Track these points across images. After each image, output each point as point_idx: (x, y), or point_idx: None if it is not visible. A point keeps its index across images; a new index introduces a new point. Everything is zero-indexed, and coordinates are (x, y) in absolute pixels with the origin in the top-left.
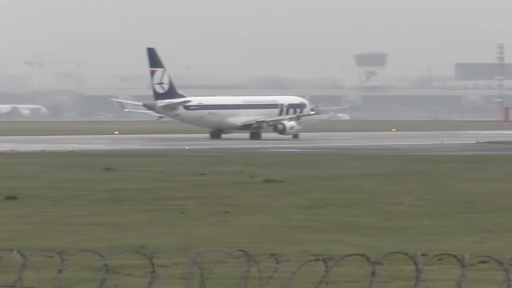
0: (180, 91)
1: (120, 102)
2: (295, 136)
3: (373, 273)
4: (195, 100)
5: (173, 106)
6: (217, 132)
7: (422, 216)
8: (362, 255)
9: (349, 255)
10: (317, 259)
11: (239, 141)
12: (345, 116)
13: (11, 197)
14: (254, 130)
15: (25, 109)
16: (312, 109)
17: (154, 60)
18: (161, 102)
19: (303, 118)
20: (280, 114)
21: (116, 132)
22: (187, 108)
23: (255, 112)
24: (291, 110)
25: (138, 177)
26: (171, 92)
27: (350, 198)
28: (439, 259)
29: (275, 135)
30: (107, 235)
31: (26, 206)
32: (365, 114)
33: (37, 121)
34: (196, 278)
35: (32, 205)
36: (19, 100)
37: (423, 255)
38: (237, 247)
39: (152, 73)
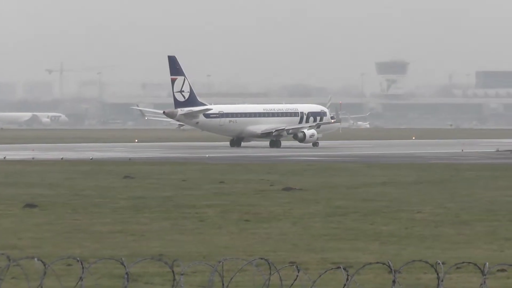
0: (201, 99)
1: (141, 110)
2: (315, 144)
3: (394, 282)
4: (215, 108)
5: (194, 114)
6: (237, 140)
7: (442, 224)
8: (383, 264)
9: (370, 263)
10: (338, 267)
11: (259, 149)
12: (365, 124)
13: (31, 205)
14: (274, 138)
15: (45, 116)
16: (332, 117)
17: (175, 68)
18: (182, 110)
19: (323, 126)
20: (301, 122)
21: (136, 140)
22: (207, 116)
23: (276, 120)
24: (311, 118)
25: (158, 185)
26: (192, 100)
27: (370, 206)
28: (458, 267)
29: (295, 143)
30: (128, 243)
31: (46, 214)
32: (386, 122)
33: (57, 128)
34: (217, 286)
35: (52, 213)
36: (40, 108)
37: (443, 263)
38: (257, 255)
39: (173, 81)
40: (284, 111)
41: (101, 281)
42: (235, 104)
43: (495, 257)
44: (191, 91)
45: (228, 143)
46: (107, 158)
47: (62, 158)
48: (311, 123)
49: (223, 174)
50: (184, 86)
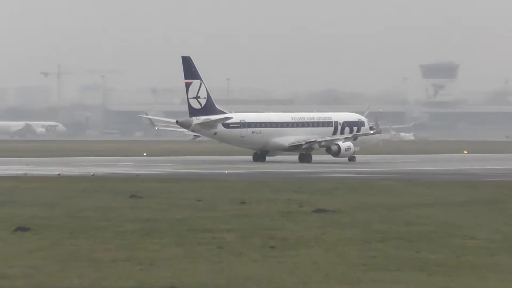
0: (219, 107)
1: (150, 119)
2: (351, 158)
3: None
4: (236, 117)
5: (211, 124)
6: (261, 154)
7: (498, 252)
8: None
9: None
10: None
11: (286, 165)
12: (409, 136)
13: (23, 228)
14: (304, 152)
15: (39, 126)
16: (371, 128)
17: (189, 70)
18: (197, 119)
19: (360, 138)
20: (335, 133)
21: (144, 154)
22: (227, 126)
23: (306, 131)
24: (347, 129)
25: (170, 205)
26: (209, 108)
27: (415, 231)
28: None
29: (329, 157)
30: (134, 272)
31: (40, 239)
32: (432, 134)
33: (54, 140)
34: None
35: (47, 237)
36: (35, 116)
37: None
38: None
39: (188, 85)
40: (316, 120)
41: None
42: (258, 112)
43: None
44: (209, 97)
45: (250, 157)
46: (111, 174)
47: (59, 174)
48: (346, 134)
49: (245, 193)
50: (200, 91)
